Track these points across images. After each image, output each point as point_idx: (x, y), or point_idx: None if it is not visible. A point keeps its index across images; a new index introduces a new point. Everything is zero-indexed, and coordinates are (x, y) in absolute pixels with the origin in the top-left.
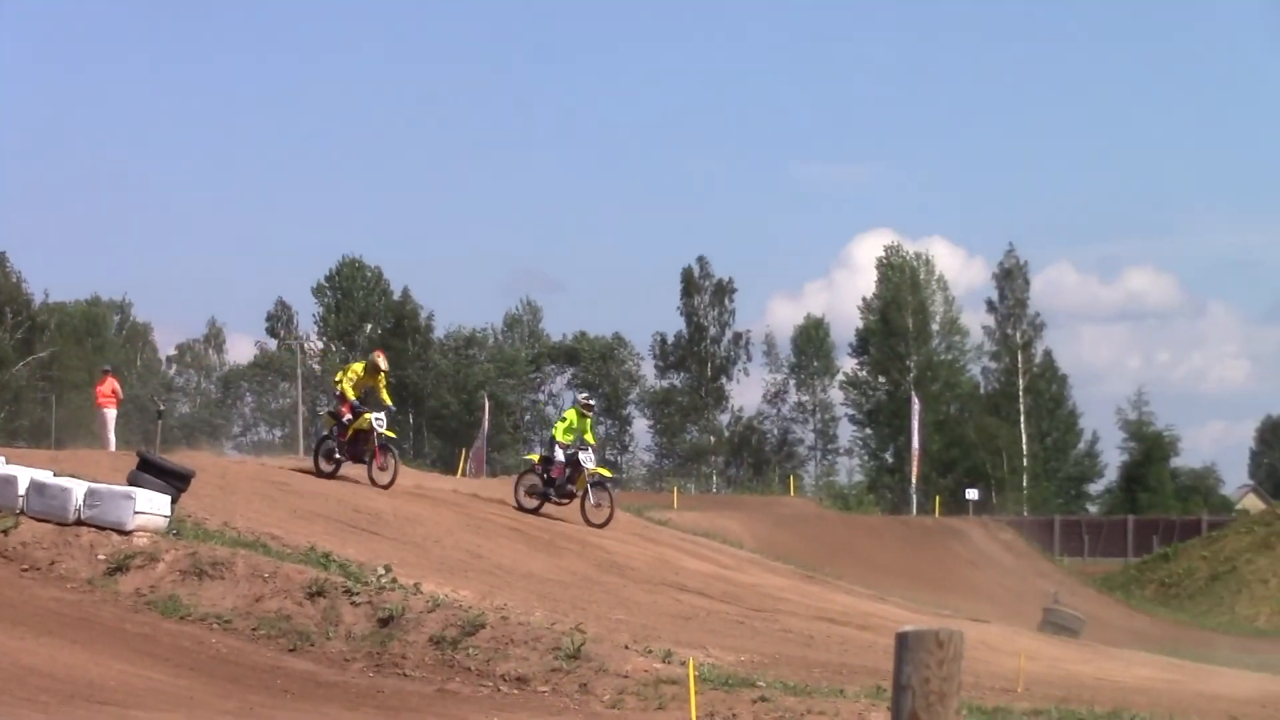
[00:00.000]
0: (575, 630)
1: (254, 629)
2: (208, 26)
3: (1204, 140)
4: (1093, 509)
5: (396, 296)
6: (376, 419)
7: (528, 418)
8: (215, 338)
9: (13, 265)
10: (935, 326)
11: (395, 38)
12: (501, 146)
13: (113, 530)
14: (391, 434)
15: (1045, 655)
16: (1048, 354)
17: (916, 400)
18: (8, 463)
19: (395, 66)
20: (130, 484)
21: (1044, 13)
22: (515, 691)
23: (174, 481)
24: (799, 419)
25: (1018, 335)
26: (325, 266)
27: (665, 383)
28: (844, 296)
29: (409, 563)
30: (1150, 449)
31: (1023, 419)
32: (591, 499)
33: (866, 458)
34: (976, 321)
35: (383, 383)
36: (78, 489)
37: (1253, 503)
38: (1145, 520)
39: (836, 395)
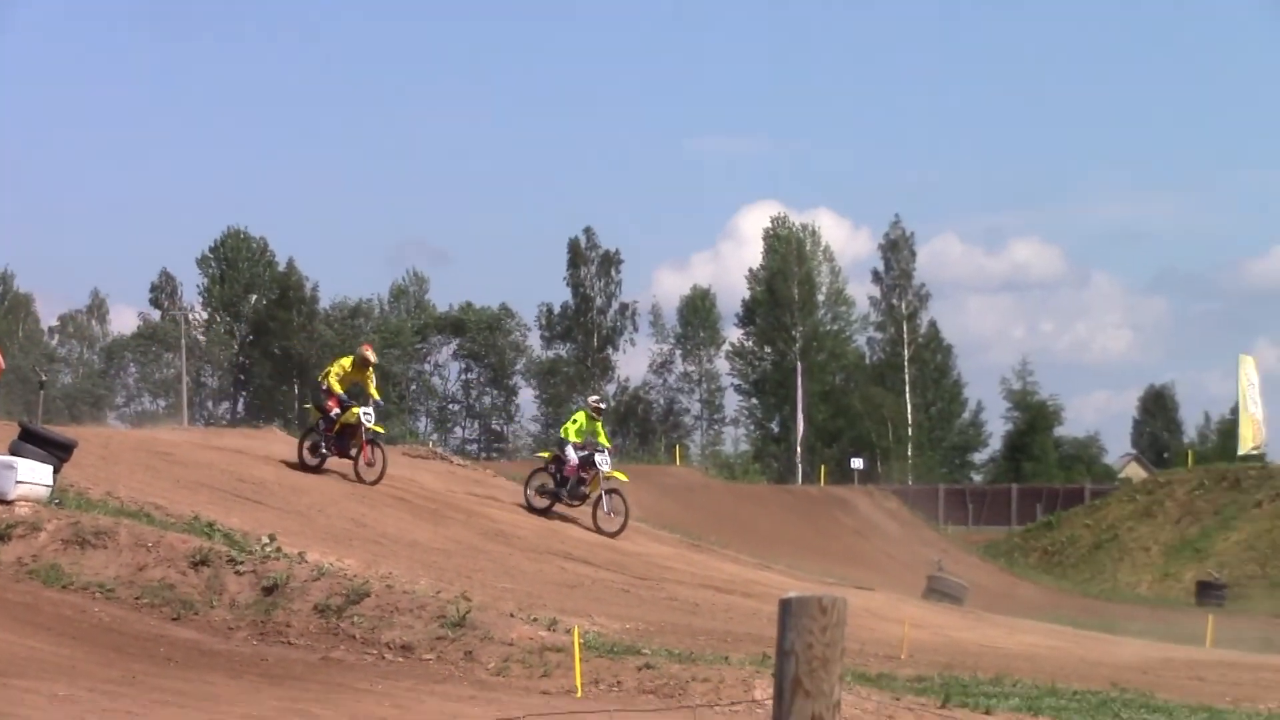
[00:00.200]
0: (460, 598)
1: (137, 598)
2: None
3: (1089, 113)
4: (977, 478)
5: (282, 267)
6: (365, 414)
7: (414, 388)
8: (98, 308)
9: None
10: (821, 297)
11: (279, 3)
12: (388, 117)
13: None
14: (380, 429)
15: (930, 623)
16: (933, 324)
17: (802, 370)
18: None
19: (280, 34)
20: (11, 454)
21: None
22: (400, 659)
23: (56, 451)
24: (685, 389)
25: (903, 306)
26: (210, 237)
27: (551, 353)
28: (730, 267)
29: (293, 532)
30: (1034, 418)
31: (908, 389)
32: (605, 506)
33: (752, 427)
34: (862, 292)
35: (371, 377)
36: None
37: (1135, 471)
38: (1029, 489)
39: (722, 365)
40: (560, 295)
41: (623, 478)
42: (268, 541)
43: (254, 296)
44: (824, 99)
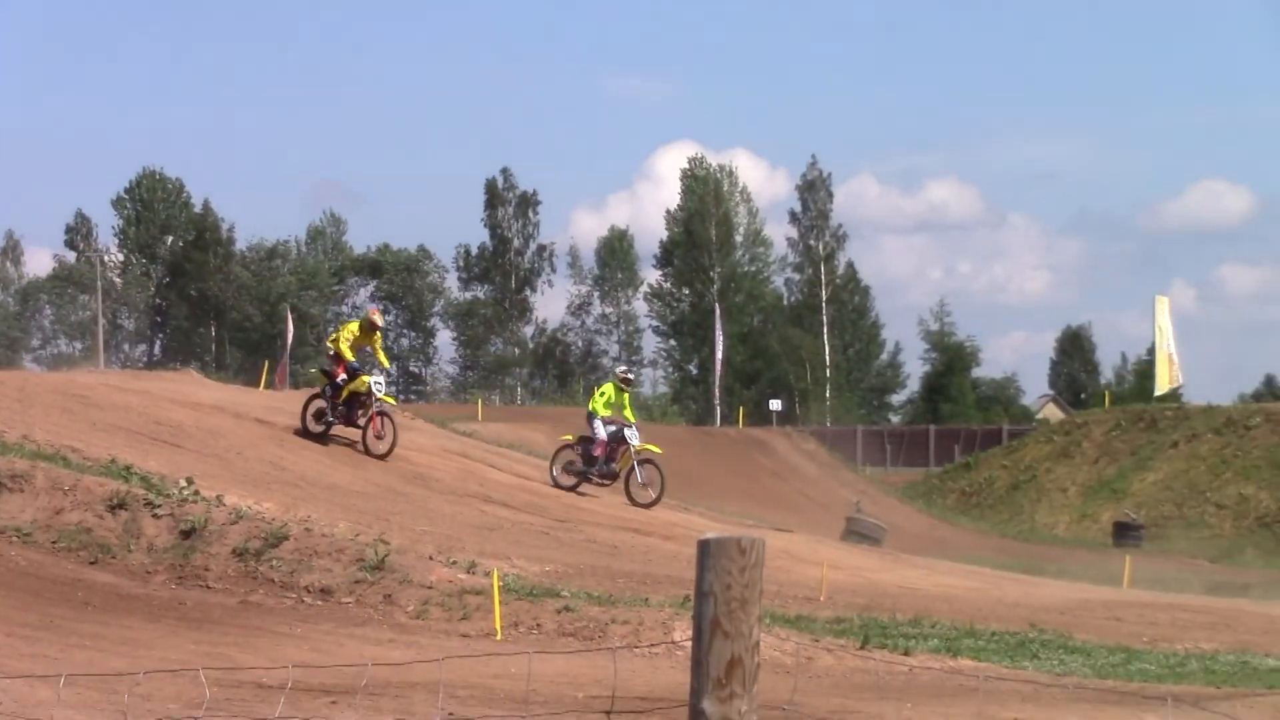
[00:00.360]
0: (379, 542)
1: (54, 542)
2: None
3: (1005, 53)
4: (895, 419)
5: (198, 209)
6: (375, 383)
7: (330, 330)
8: (12, 250)
9: None
10: (739, 238)
11: None
12: (304, 57)
13: None
14: (391, 400)
15: (848, 564)
16: (850, 265)
17: (720, 312)
18: None
19: None
20: None
21: None
22: (319, 603)
23: None
24: (603, 331)
25: (820, 247)
26: (125, 178)
27: (469, 295)
28: (647, 208)
29: (211, 475)
30: (951, 359)
31: (825, 330)
32: (639, 476)
33: (671, 369)
34: (780, 233)
35: (379, 342)
36: None
37: (1052, 412)
38: (946, 430)
39: (641, 307)
40: (478, 236)
41: (656, 450)
42: (185, 485)
43: (170, 238)
44: (740, 39)
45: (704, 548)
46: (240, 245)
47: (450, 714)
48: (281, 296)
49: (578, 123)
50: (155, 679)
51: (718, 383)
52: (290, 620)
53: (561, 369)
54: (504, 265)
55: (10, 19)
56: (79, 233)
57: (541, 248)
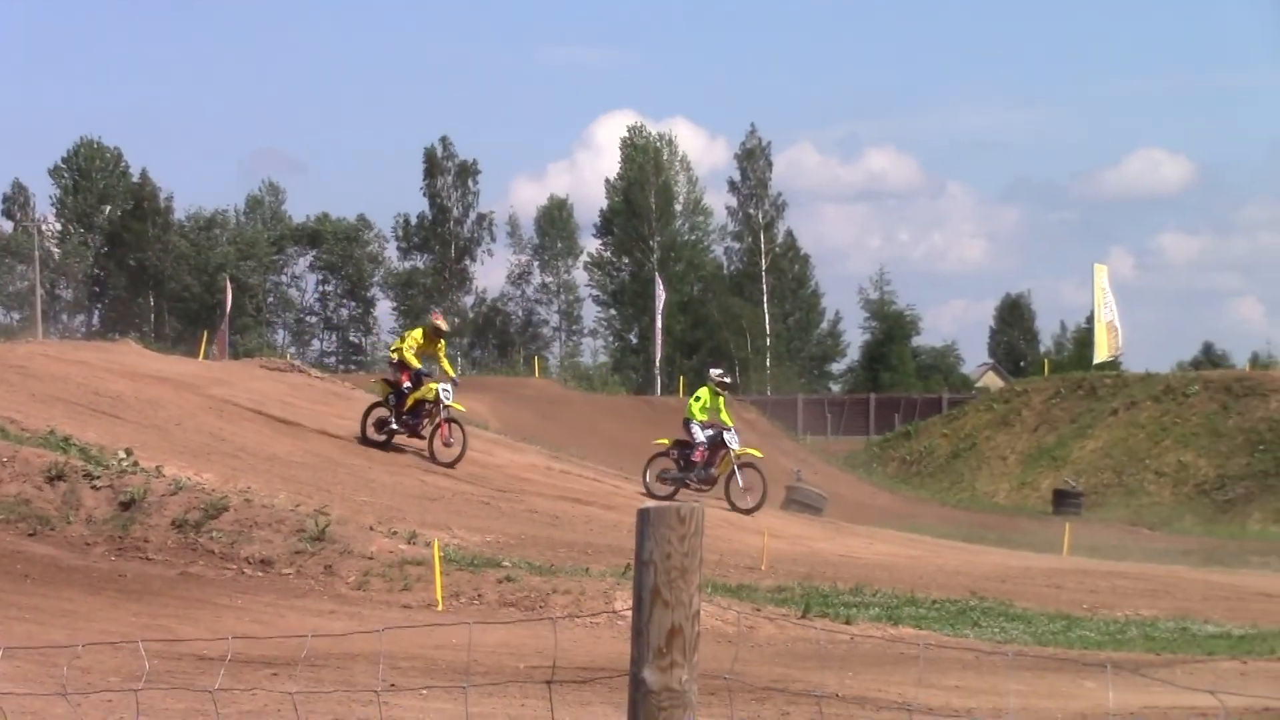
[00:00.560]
0: (319, 513)
1: None
2: None
3: (944, 21)
4: (835, 388)
5: (136, 178)
6: (444, 390)
7: (270, 300)
8: None
9: None
10: (678, 207)
11: None
12: (242, 25)
13: None
14: (460, 406)
15: (789, 533)
16: (790, 234)
17: (660, 281)
18: None
19: None
20: None
21: None
22: (260, 574)
23: None
24: (543, 300)
25: (760, 215)
26: (62, 148)
27: (409, 264)
28: (587, 177)
29: (151, 446)
30: (891, 328)
31: (766, 299)
32: (740, 481)
33: (611, 339)
34: (719, 202)
35: (442, 349)
36: None
37: (992, 380)
38: (887, 398)
39: (581, 276)
40: (417, 206)
41: (757, 454)
42: (124, 456)
43: (108, 208)
44: (680, 7)
45: (644, 517)
46: (179, 215)
47: (392, 685)
48: (220, 266)
49: (517, 91)
50: (95, 651)
51: (658, 352)
52: (230, 592)
53: (502, 339)
54: (443, 235)
55: None
56: (16, 202)
57: (481, 217)
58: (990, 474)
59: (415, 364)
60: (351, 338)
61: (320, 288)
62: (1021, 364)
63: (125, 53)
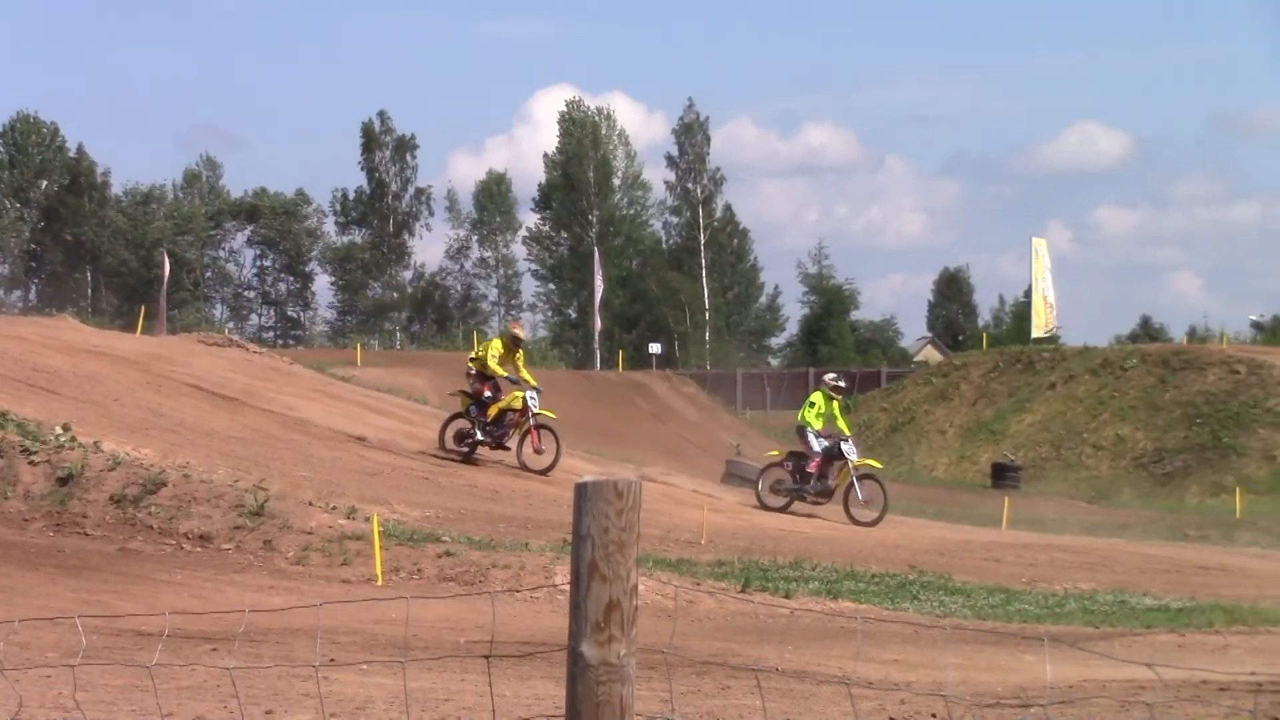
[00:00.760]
0: (258, 488)
1: None
2: None
3: None
4: (774, 362)
5: (72, 153)
6: (530, 397)
7: (209, 275)
8: None
9: None
10: (617, 182)
11: None
12: None
13: None
14: (550, 413)
15: (729, 507)
16: (728, 209)
17: (599, 255)
18: None
19: None
20: None
21: None
22: (198, 549)
23: None
24: (482, 275)
25: (698, 190)
26: None
27: (347, 239)
28: (525, 152)
29: (88, 421)
30: (830, 302)
31: (704, 274)
32: (860, 493)
33: (550, 313)
34: (658, 177)
35: (521, 358)
36: None
37: (931, 354)
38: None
39: (519, 250)
40: (355, 180)
41: (877, 465)
42: (62, 431)
43: (44, 183)
44: None
45: (581, 491)
46: (116, 190)
47: (331, 660)
48: (157, 241)
49: (455, 65)
50: (32, 627)
51: (597, 326)
52: (169, 567)
53: (440, 313)
54: (381, 209)
55: None
56: None
57: (419, 191)
58: (929, 448)
59: (502, 372)
60: (290, 312)
61: (258, 263)
62: (960, 338)
63: (62, 27)
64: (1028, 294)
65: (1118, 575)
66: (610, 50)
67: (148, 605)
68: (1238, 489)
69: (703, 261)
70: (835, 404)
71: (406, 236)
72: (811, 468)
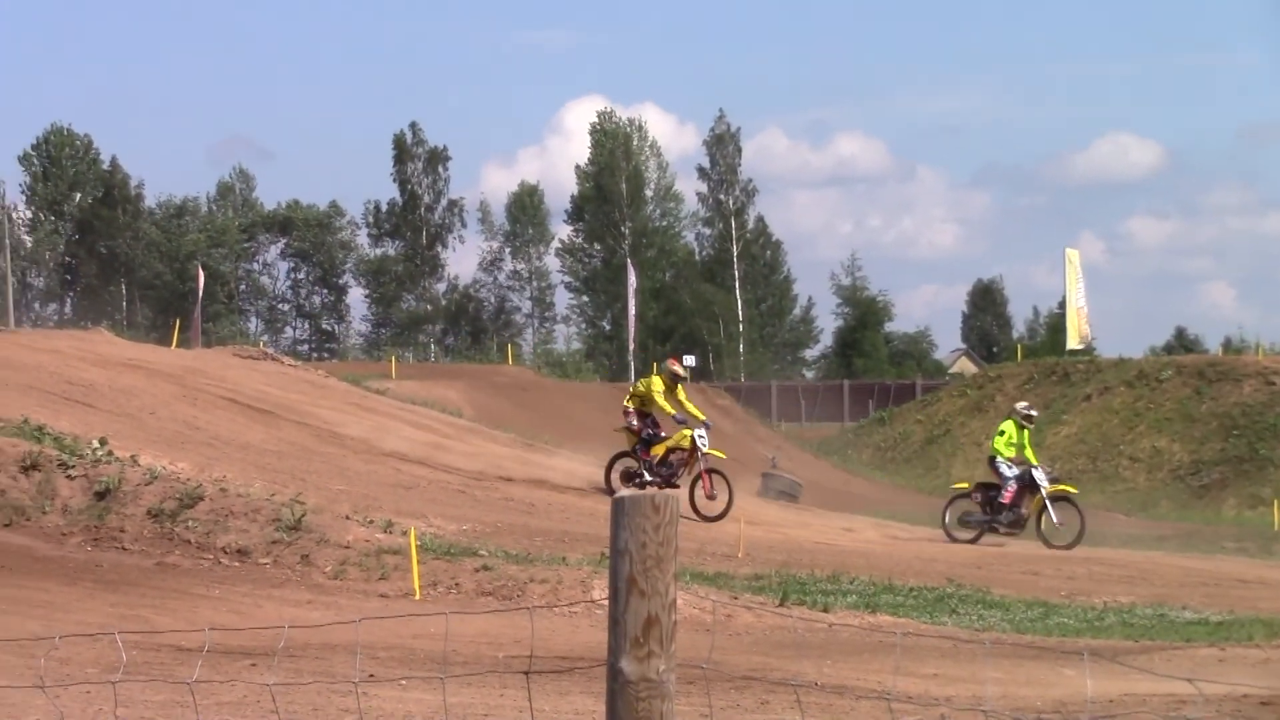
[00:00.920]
0: (295, 502)
1: None
2: None
3: (911, 5)
4: (809, 374)
5: (106, 166)
6: (699, 437)
7: (243, 288)
8: None
9: None
10: (649, 193)
11: None
12: (209, 9)
13: None
14: (720, 454)
15: (765, 520)
16: (760, 220)
17: (632, 267)
18: None
19: None
20: None
21: None
22: (236, 564)
23: None
24: (515, 287)
25: (730, 201)
26: (32, 134)
27: (380, 251)
28: (557, 163)
29: (125, 435)
30: (864, 314)
31: (738, 285)
32: (1055, 517)
33: (584, 325)
34: (690, 188)
35: (683, 394)
36: None
37: (965, 366)
38: (861, 385)
39: (552, 262)
40: (388, 192)
41: (1072, 489)
42: (99, 445)
43: (78, 195)
44: None
45: (618, 506)
46: (149, 202)
47: (370, 675)
48: (191, 254)
49: (486, 77)
50: (72, 643)
51: (632, 338)
52: (207, 582)
53: (475, 326)
54: (414, 221)
55: None
56: None
57: (452, 203)
58: (965, 460)
59: (669, 409)
60: (324, 325)
61: (292, 275)
62: (994, 349)
63: (95, 39)
64: (1062, 305)
65: (1156, 588)
66: (641, 61)
67: (186, 620)
68: (1275, 501)
69: (736, 273)
70: (1026, 433)
71: (439, 248)
72: (1005, 498)
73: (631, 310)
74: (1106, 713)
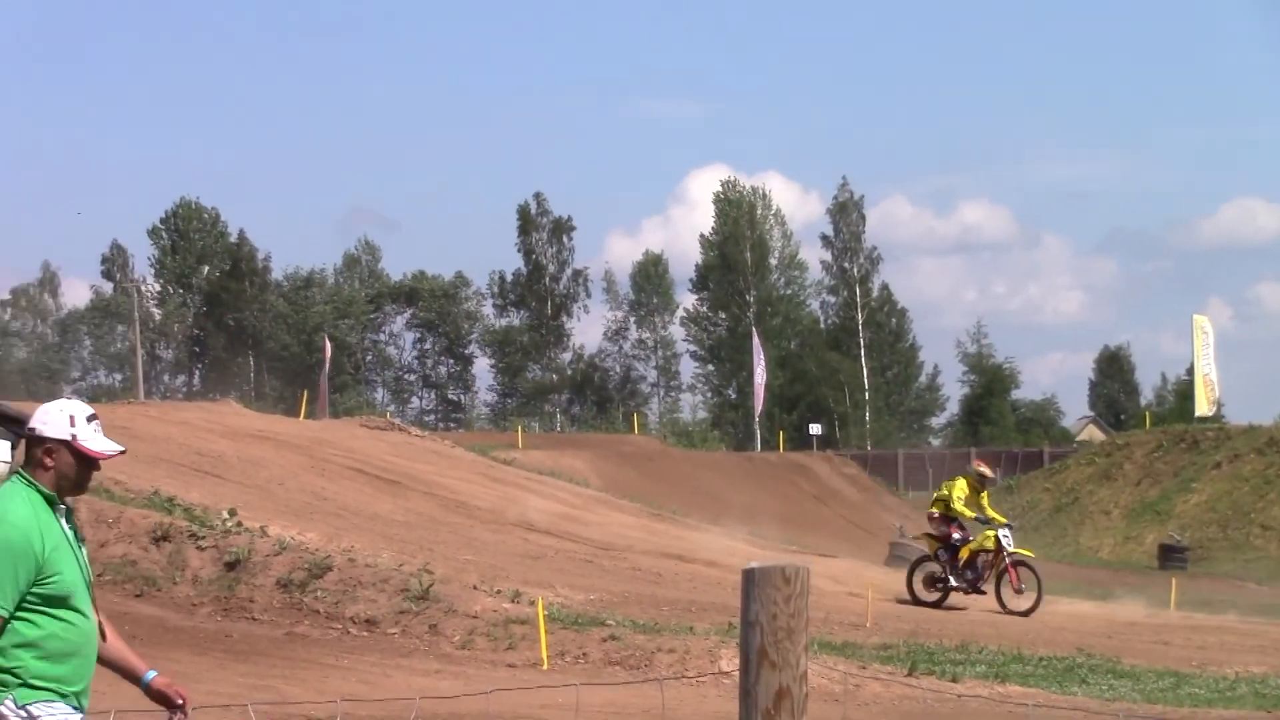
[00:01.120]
0: (423, 571)
1: (99, 575)
2: None
3: (1034, 72)
4: (935, 442)
5: (233, 238)
6: (1004, 536)
7: (369, 358)
8: (49, 281)
9: None
10: (773, 261)
11: None
12: (335, 85)
13: None
14: (1027, 551)
15: (893, 589)
16: (885, 288)
17: (757, 335)
18: None
19: (227, 5)
20: None
21: None
22: (364, 634)
23: (13, 427)
24: (641, 356)
25: (855, 269)
26: (161, 208)
27: (505, 321)
28: (681, 233)
29: (254, 506)
30: (990, 381)
31: (863, 353)
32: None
33: (710, 394)
34: (814, 256)
35: (986, 497)
36: None
37: (1093, 434)
38: (987, 452)
39: (677, 332)
40: (513, 263)
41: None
42: (228, 516)
43: (206, 268)
44: (770, 61)
45: (748, 577)
46: (276, 274)
47: None
48: (318, 325)
49: (609, 147)
50: (204, 713)
51: (758, 407)
52: (336, 651)
53: (600, 395)
54: (539, 291)
55: (46, 52)
56: (115, 263)
57: (577, 273)
58: (1094, 528)
59: (969, 514)
60: (450, 395)
61: (418, 345)
62: (1122, 417)
63: (222, 114)
64: (1190, 372)
65: None
66: (764, 130)
67: (316, 690)
68: None
69: (861, 341)
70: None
71: (564, 318)
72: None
73: (759, 379)
74: None
